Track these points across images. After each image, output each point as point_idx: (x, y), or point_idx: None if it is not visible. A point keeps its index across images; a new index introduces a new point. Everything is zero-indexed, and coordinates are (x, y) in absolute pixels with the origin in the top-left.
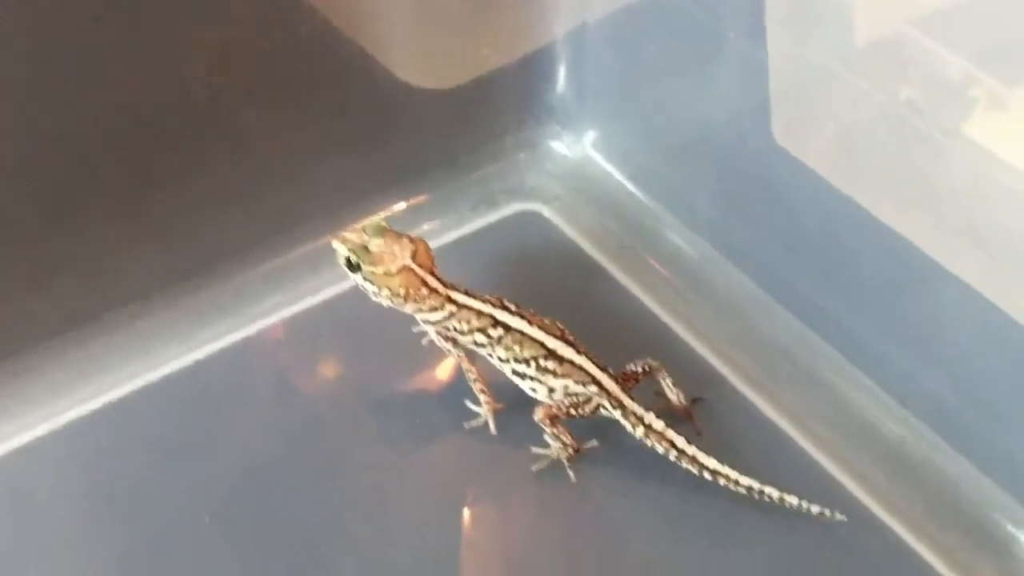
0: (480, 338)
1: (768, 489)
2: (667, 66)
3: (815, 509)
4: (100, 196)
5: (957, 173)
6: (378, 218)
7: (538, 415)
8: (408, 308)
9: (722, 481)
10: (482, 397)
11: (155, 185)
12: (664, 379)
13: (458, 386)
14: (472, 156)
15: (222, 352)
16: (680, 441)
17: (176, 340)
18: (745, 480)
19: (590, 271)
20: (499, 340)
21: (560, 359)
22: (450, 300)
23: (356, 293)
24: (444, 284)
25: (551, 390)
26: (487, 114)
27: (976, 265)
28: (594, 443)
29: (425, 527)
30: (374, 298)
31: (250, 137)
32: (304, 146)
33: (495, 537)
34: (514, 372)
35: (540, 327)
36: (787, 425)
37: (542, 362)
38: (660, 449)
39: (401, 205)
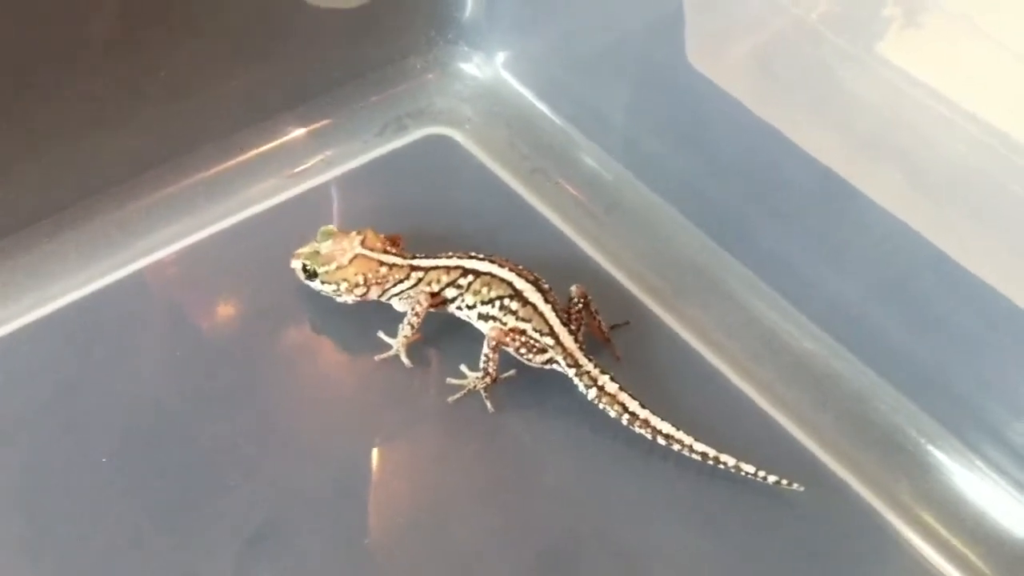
0: (451, 292)
1: (724, 457)
2: None
3: (772, 479)
4: None
5: (869, 92)
6: (327, 227)
7: (492, 332)
8: (374, 294)
9: (676, 447)
10: (408, 330)
11: (31, 104)
12: (589, 304)
13: (367, 317)
14: (378, 78)
15: (115, 285)
16: (633, 405)
17: (67, 272)
18: (700, 446)
19: (502, 195)
20: (468, 286)
21: (525, 301)
22: (414, 268)
23: (256, 223)
24: (403, 256)
25: None
26: (392, 34)
27: (887, 183)
28: (512, 373)
29: (333, 460)
30: (338, 299)
31: (137, 55)
32: (196, 67)
33: (405, 469)
34: (479, 316)
35: (512, 270)
36: (701, 345)
37: (506, 302)
38: (612, 413)
39: (300, 130)
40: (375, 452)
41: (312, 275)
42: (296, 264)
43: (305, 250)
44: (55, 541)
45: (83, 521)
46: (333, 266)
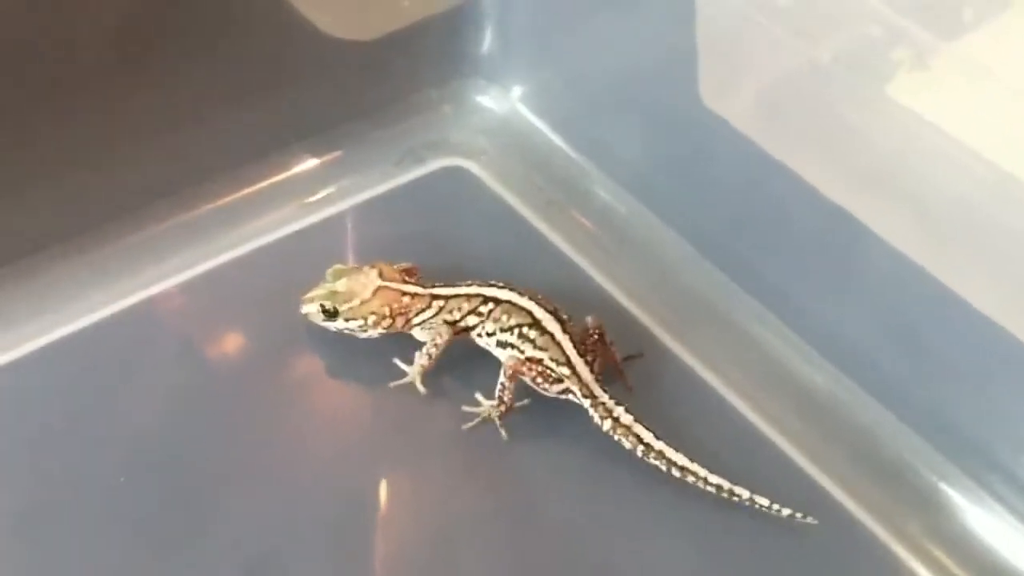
0: (471, 320)
1: (738, 489)
2: (596, 19)
3: (786, 512)
4: None
5: (878, 131)
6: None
7: (509, 361)
8: (399, 325)
9: (691, 479)
10: (426, 359)
11: (42, 129)
12: (604, 336)
13: (378, 346)
14: (394, 110)
15: (124, 312)
16: (648, 436)
17: (75, 299)
18: (715, 479)
19: (517, 227)
20: (489, 314)
21: (543, 330)
22: (435, 297)
23: (268, 251)
24: (422, 286)
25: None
26: (408, 67)
27: (895, 221)
28: (526, 402)
29: (341, 489)
30: (363, 334)
31: (150, 83)
32: (210, 96)
33: (414, 497)
34: (498, 343)
35: (532, 299)
36: (714, 379)
37: (525, 330)
38: (627, 444)
39: (316, 160)
40: (386, 479)
41: (333, 314)
42: (310, 308)
43: (317, 292)
44: (55, 570)
45: (85, 550)
46: (356, 302)
